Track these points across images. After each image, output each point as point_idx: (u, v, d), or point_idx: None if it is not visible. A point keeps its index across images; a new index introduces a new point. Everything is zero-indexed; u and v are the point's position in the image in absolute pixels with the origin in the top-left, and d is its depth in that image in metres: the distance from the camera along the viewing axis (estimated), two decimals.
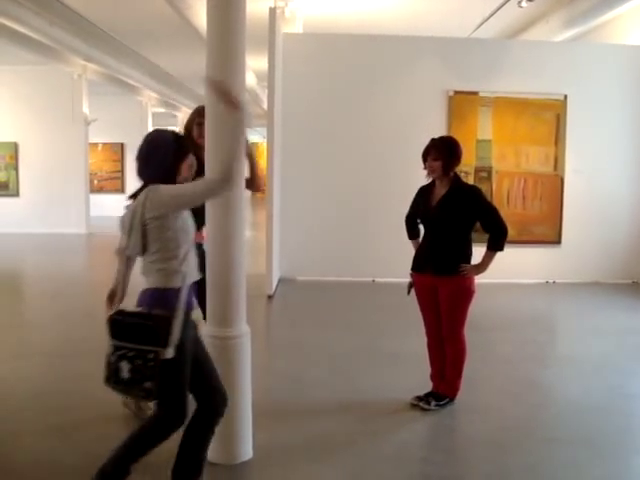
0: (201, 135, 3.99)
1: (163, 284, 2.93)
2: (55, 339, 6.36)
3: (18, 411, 4.45)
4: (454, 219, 4.36)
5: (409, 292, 4.59)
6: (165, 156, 2.95)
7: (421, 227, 4.63)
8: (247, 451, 3.68)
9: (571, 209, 9.55)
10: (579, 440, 4.07)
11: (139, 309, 2.93)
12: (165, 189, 2.89)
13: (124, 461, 2.97)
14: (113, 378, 2.85)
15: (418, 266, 4.55)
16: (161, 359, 2.74)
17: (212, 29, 3.51)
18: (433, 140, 4.46)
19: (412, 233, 4.73)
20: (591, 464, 3.76)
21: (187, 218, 2.99)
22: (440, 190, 4.44)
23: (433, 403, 4.49)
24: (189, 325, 2.96)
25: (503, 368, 5.62)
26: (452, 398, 4.55)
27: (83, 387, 4.90)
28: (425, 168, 4.46)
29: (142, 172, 3.00)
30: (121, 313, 2.94)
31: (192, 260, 3.01)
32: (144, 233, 2.94)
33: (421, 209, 4.57)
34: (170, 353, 2.76)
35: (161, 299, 2.90)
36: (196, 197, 2.96)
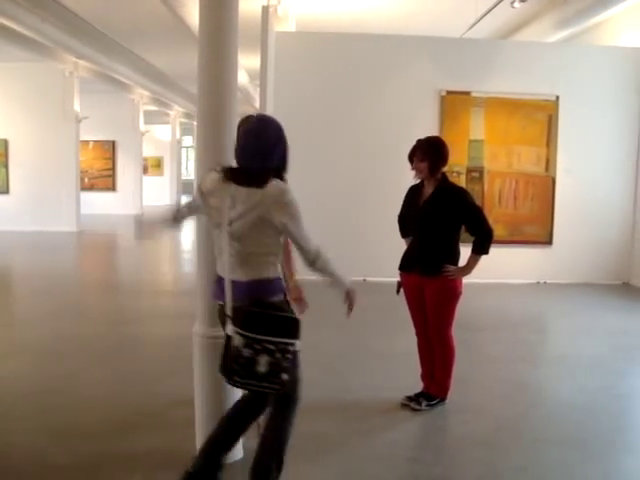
0: None
1: (274, 274, 2.93)
2: (45, 337, 6.33)
3: (7, 410, 4.43)
4: (440, 220, 4.36)
5: (398, 291, 4.59)
6: (286, 146, 3.03)
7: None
8: (237, 451, 3.66)
9: (562, 210, 9.58)
10: (569, 440, 4.08)
11: (271, 300, 2.90)
12: (294, 207, 2.91)
13: (283, 450, 3.08)
14: (243, 372, 2.76)
15: (405, 266, 4.55)
16: (295, 351, 2.81)
17: (204, 27, 3.50)
18: (419, 141, 4.44)
19: (405, 232, 4.73)
20: (581, 464, 3.77)
21: None
22: (427, 190, 4.44)
23: (424, 403, 4.49)
24: None
25: (494, 368, 5.63)
26: (443, 398, 4.56)
27: (73, 386, 4.88)
28: (412, 169, 4.46)
29: (262, 159, 2.93)
30: (258, 305, 2.85)
31: None
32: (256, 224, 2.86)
33: (410, 209, 4.57)
34: (300, 345, 2.82)
35: (276, 289, 2.94)
36: (296, 239, 2.93)
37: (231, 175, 2.90)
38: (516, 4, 9.32)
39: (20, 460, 3.68)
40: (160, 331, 6.59)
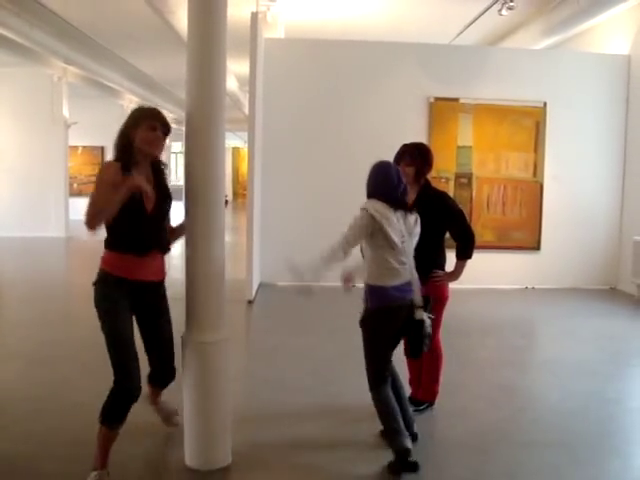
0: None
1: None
2: (33, 343, 6.29)
3: None
4: (423, 225, 4.37)
5: None
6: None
7: None
8: (226, 456, 3.67)
9: (550, 215, 9.64)
10: (557, 444, 4.10)
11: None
12: None
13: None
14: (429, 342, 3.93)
15: None
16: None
17: (193, 32, 3.51)
18: (406, 146, 4.44)
19: None
20: (569, 468, 3.80)
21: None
22: (411, 196, 4.44)
23: (412, 409, 4.49)
24: None
25: (482, 373, 5.66)
26: (431, 403, 4.57)
27: (61, 392, 4.86)
28: None
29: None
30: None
31: None
32: None
33: None
34: None
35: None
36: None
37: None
38: (504, 12, 9.37)
39: (6, 467, 3.66)
40: None
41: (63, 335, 6.57)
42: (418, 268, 4.37)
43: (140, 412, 4.44)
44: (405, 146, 4.44)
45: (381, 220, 3.69)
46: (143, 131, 3.43)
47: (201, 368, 3.47)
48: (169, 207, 3.58)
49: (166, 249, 3.55)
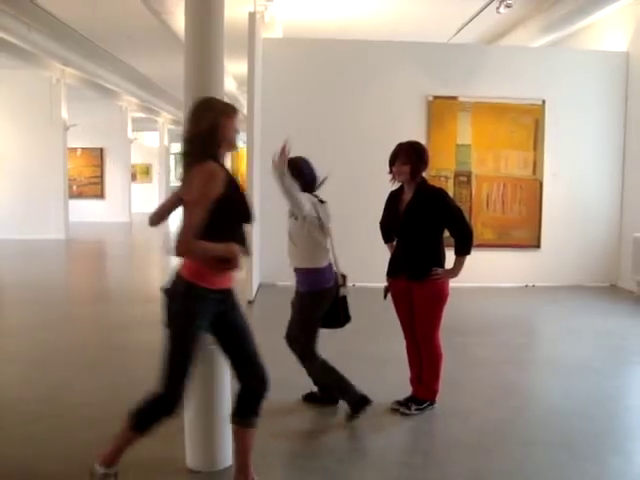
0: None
1: None
2: (33, 346, 6.29)
3: None
4: (422, 223, 4.38)
5: (385, 296, 4.62)
6: None
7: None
8: (226, 458, 3.66)
9: (550, 213, 9.64)
10: (558, 443, 4.09)
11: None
12: None
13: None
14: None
15: (392, 271, 4.58)
16: None
17: (190, 33, 3.52)
18: (401, 145, 4.46)
19: (387, 238, 4.77)
20: (570, 466, 3.79)
21: None
22: (407, 195, 4.46)
23: (413, 407, 4.50)
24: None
25: (483, 371, 5.65)
26: (432, 401, 4.57)
27: (62, 395, 4.85)
28: (390, 172, 4.47)
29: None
30: None
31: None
32: None
33: (391, 215, 4.59)
34: None
35: None
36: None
37: None
38: (502, 9, 9.37)
39: (8, 469, 3.66)
40: (149, 338, 6.55)
41: (65, 338, 6.56)
42: (417, 266, 4.39)
43: None
44: (400, 145, 4.46)
45: (317, 207, 4.36)
46: (233, 122, 3.04)
47: (203, 369, 3.46)
48: None
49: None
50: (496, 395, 5.04)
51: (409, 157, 4.36)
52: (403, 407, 4.52)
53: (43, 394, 4.87)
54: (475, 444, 4.07)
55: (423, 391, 4.57)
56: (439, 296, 4.40)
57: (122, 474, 3.24)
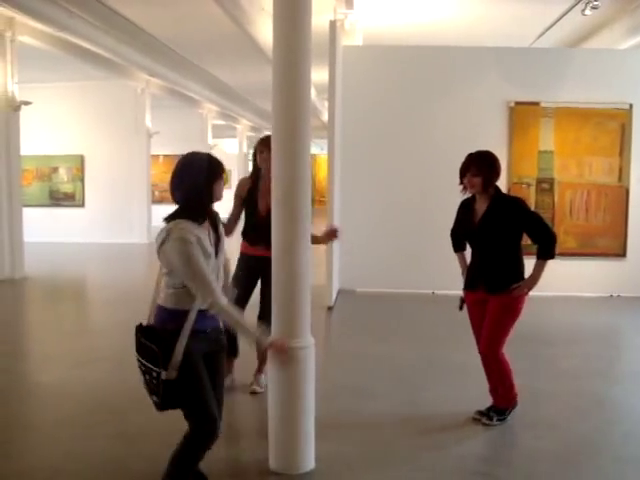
0: (263, 160, 4.88)
1: (173, 304, 3.06)
2: (120, 345, 6.50)
3: (85, 415, 4.61)
4: (500, 234, 4.31)
5: (461, 308, 4.57)
6: (197, 177, 3.10)
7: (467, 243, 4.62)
8: (309, 461, 3.71)
9: (637, 220, 9.30)
10: None
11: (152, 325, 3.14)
12: (180, 251, 2.99)
13: (177, 476, 3.05)
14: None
15: (470, 284, 4.51)
16: (162, 379, 2.93)
17: (278, 43, 3.57)
18: (471, 155, 4.40)
19: (457, 247, 4.73)
20: None
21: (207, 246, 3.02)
22: (481, 206, 4.39)
23: (495, 418, 4.43)
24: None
25: (569, 383, 5.50)
26: (513, 407, 4.49)
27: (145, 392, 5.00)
28: (461, 183, 4.42)
29: (174, 193, 3.15)
30: (140, 329, 3.16)
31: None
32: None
33: (463, 226, 4.54)
34: (171, 375, 2.92)
35: (170, 319, 3.04)
36: (191, 282, 2.99)
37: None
38: (587, 11, 9.13)
39: (99, 464, 3.82)
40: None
41: None
42: (496, 278, 4.31)
43: (228, 414, 4.55)
44: (470, 156, 4.40)
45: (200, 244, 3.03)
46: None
47: (288, 374, 3.52)
48: None
49: None
50: (583, 407, 4.90)
51: (480, 169, 4.30)
52: (485, 417, 4.46)
53: (128, 392, 5.01)
54: (561, 457, 3.98)
55: (501, 401, 4.50)
56: (513, 308, 4.31)
57: (210, 473, 3.33)
